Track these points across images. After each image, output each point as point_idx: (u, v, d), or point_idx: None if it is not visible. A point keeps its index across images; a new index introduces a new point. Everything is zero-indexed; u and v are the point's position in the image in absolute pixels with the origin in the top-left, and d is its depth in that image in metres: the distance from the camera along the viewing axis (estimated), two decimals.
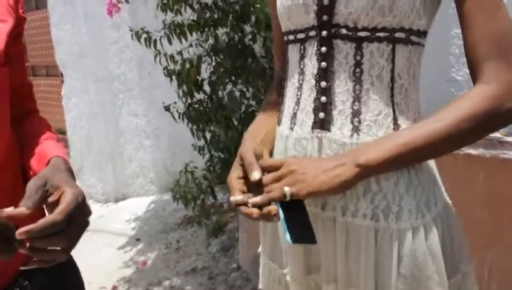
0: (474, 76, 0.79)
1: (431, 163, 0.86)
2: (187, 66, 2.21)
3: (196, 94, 2.37)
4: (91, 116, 4.10)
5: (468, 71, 0.81)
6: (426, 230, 0.80)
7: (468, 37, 0.78)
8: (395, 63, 0.81)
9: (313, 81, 0.85)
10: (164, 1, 2.22)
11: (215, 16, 2.37)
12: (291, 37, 0.89)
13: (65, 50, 4.18)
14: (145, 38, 2.23)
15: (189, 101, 2.34)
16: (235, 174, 0.85)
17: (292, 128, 0.88)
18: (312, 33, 0.84)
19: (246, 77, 2.37)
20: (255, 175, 0.80)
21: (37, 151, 0.86)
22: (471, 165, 1.75)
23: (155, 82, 3.64)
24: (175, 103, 2.40)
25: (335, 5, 0.81)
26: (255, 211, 0.77)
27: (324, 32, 0.83)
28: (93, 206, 4.16)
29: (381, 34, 0.80)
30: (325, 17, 0.82)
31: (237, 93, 2.37)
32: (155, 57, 2.32)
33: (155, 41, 2.22)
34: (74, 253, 0.75)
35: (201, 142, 2.63)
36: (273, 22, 1.02)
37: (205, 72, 2.48)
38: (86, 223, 0.71)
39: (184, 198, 2.50)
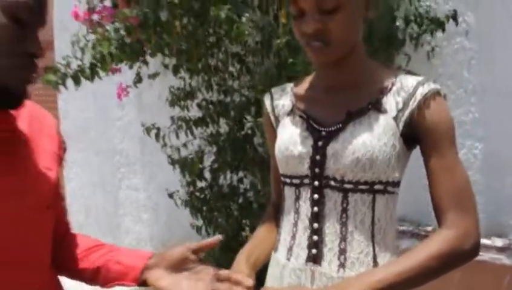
0: (439, 223, 0.99)
1: None
2: (194, 157, 2.40)
3: (198, 182, 2.56)
4: (91, 187, 4.24)
5: None
6: None
7: (434, 192, 0.99)
8: (375, 210, 1.00)
9: (307, 222, 1.03)
10: (174, 97, 2.46)
11: (218, 110, 2.60)
12: (287, 180, 1.08)
13: (70, 123, 4.37)
14: (155, 134, 2.44)
15: (191, 189, 2.51)
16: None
17: (288, 259, 1.05)
18: (306, 181, 1.04)
19: (245, 165, 2.56)
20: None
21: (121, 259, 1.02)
22: None
23: (156, 159, 3.81)
24: (177, 191, 2.57)
25: (325, 161, 1.01)
26: None
27: (316, 183, 1.02)
28: None
29: (363, 187, 0.99)
30: (317, 170, 1.02)
31: (235, 183, 2.55)
32: (162, 147, 2.51)
33: (163, 136, 2.43)
34: None
35: (199, 222, 2.77)
36: (271, 156, 1.19)
37: (206, 160, 2.67)
38: None
39: None
